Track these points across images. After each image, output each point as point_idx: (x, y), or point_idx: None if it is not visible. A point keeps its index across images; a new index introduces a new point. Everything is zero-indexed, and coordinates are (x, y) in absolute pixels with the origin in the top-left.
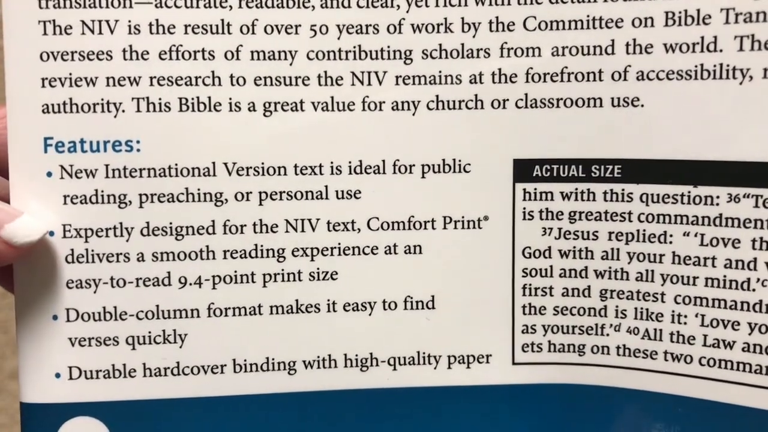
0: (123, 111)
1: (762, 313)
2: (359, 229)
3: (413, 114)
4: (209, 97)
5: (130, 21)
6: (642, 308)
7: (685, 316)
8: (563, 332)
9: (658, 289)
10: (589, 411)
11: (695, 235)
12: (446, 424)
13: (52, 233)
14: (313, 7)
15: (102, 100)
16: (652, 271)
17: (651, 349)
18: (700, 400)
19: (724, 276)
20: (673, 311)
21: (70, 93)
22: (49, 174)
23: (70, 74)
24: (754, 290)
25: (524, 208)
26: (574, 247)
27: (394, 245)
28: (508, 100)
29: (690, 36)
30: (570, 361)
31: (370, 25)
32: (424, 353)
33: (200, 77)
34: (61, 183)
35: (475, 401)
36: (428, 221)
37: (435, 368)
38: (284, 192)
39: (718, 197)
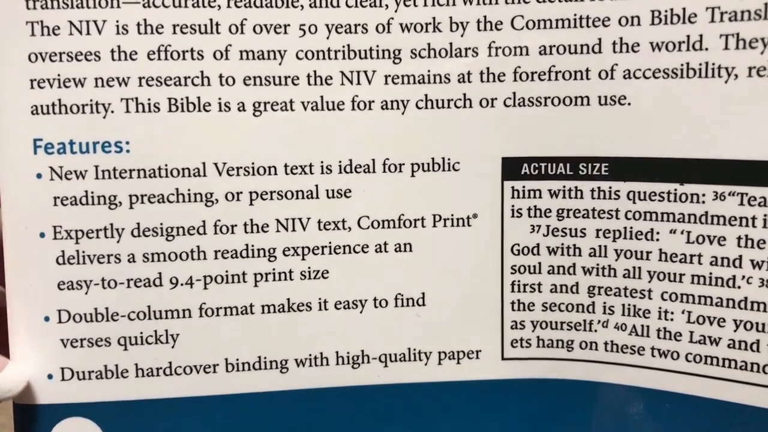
0: (112, 112)
1: (747, 310)
2: (350, 228)
3: (402, 113)
4: (198, 97)
5: (117, 21)
6: (629, 305)
7: (672, 313)
8: (552, 328)
9: (645, 285)
10: (577, 406)
11: (682, 233)
12: (437, 419)
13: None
14: (302, 6)
15: (91, 101)
16: (639, 268)
17: (638, 345)
18: (687, 396)
19: (710, 273)
20: (660, 308)
21: (59, 94)
22: (39, 176)
23: (59, 75)
24: (739, 287)
25: (513, 206)
26: (562, 244)
27: (385, 243)
28: (496, 98)
29: (676, 34)
30: (558, 356)
31: (359, 24)
32: (414, 350)
33: (189, 77)
34: (51, 184)
35: (465, 396)
36: (418, 219)
37: (425, 364)
38: (275, 192)
39: (704, 195)
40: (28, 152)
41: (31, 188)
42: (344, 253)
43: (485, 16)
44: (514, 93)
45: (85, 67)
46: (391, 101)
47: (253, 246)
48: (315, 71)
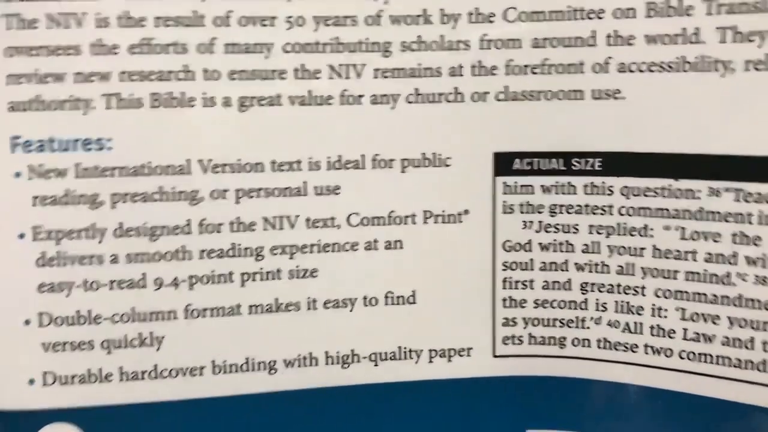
0: (93, 108)
1: (742, 308)
2: (339, 226)
3: (392, 108)
4: (182, 92)
5: (98, 14)
6: (623, 302)
7: (666, 310)
8: (544, 325)
9: (639, 282)
10: (569, 403)
11: (676, 229)
12: (428, 417)
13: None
14: None
15: (71, 96)
16: (633, 264)
17: (631, 342)
18: (680, 394)
19: (705, 270)
20: (653, 305)
21: (38, 90)
22: (18, 174)
23: (37, 70)
24: (734, 285)
25: (504, 202)
26: (555, 241)
27: (375, 241)
28: (488, 93)
29: (672, 27)
30: (551, 353)
31: (348, 16)
32: (405, 348)
33: (172, 72)
34: (30, 184)
35: (456, 394)
36: (408, 216)
37: (416, 363)
38: (261, 189)
39: (699, 191)
40: (5, 150)
41: (9, 188)
42: (333, 251)
43: (477, 8)
44: (507, 87)
45: (65, 62)
46: (381, 95)
47: (239, 245)
48: (303, 65)
